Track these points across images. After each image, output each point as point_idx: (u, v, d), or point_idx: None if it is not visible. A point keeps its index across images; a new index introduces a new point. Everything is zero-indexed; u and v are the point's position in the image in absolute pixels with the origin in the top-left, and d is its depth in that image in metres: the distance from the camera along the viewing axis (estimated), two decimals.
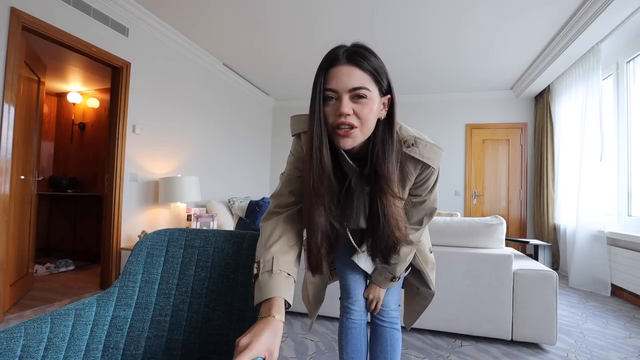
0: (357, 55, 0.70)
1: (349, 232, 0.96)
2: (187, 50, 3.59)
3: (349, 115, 0.69)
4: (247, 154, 5.02)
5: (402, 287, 1.17)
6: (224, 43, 3.59)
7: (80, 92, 4.30)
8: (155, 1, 2.83)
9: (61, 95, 4.40)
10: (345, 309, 1.07)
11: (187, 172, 3.67)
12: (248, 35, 3.37)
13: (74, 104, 4.30)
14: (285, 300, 0.68)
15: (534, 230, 4.55)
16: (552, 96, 4.25)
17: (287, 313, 2.19)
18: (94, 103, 4.21)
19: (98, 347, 0.78)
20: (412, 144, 0.79)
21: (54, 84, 4.13)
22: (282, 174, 0.89)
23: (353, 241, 0.97)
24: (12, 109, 2.15)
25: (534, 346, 1.89)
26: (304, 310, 2.02)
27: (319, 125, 0.72)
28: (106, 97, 4.05)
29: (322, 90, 0.71)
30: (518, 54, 3.64)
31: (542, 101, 4.43)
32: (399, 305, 1.10)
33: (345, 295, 1.07)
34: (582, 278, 3.21)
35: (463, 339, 1.97)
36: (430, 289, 1.08)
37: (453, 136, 5.05)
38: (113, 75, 2.91)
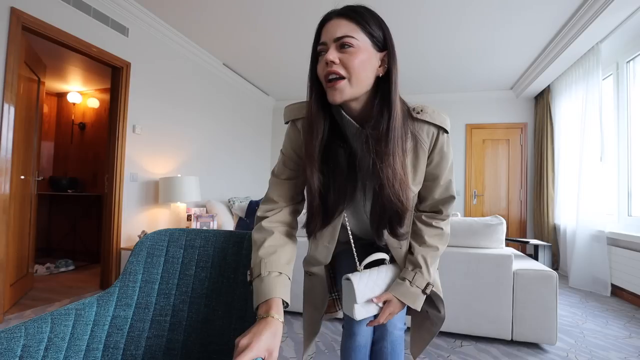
0: (348, 9, 0.71)
1: (351, 238, 0.90)
2: (187, 50, 3.59)
3: (334, 63, 0.68)
4: (247, 154, 5.01)
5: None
6: (223, 43, 3.59)
7: (80, 92, 4.30)
8: (155, 1, 2.83)
9: (61, 95, 4.40)
10: (347, 332, 0.92)
11: (187, 172, 3.67)
12: (248, 35, 3.37)
13: (74, 104, 4.30)
14: (282, 300, 0.68)
15: (534, 230, 4.55)
16: (552, 96, 4.25)
17: (287, 313, 2.18)
18: (94, 103, 4.21)
19: (98, 347, 0.78)
20: (421, 110, 0.78)
21: (54, 84, 4.13)
22: (272, 171, 0.88)
23: (354, 250, 0.89)
24: (12, 109, 2.15)
25: (534, 346, 1.89)
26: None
27: (310, 79, 0.75)
28: (106, 97, 4.04)
29: (316, 47, 0.73)
30: (518, 54, 3.64)
31: (542, 101, 4.43)
32: (405, 324, 0.95)
33: (347, 329, 0.92)
34: (582, 278, 3.21)
35: (463, 339, 1.97)
36: (439, 312, 0.94)
37: (453, 136, 5.04)
38: (113, 75, 2.91)
